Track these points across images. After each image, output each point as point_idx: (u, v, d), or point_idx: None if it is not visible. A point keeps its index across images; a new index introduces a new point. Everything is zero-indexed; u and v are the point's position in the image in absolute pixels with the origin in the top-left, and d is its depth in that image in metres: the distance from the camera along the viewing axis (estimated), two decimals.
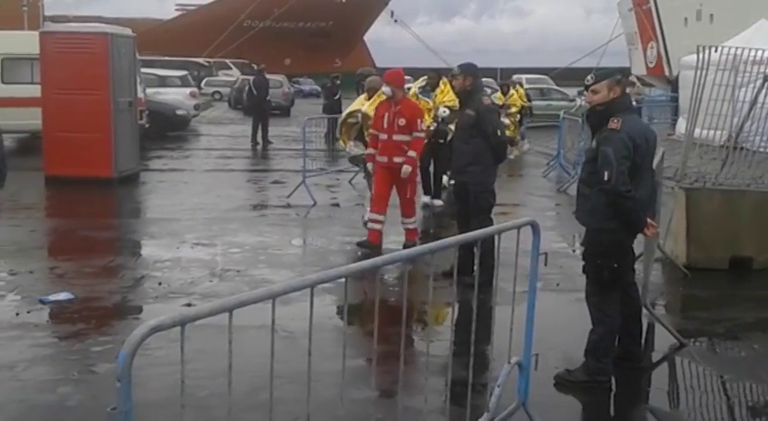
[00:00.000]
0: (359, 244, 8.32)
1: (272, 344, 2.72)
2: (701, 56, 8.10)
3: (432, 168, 11.41)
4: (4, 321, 5.86)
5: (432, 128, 10.50)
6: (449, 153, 11.26)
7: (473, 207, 6.97)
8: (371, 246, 8.11)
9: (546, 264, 4.11)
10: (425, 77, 11.29)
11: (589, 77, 4.85)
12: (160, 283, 6.92)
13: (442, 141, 10.71)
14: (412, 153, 8.11)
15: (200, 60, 52.02)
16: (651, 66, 36.74)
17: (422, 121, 8.27)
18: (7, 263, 7.48)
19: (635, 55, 39.17)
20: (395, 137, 8.13)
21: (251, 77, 27.62)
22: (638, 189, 4.67)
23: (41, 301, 6.33)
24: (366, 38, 76.94)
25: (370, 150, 8.52)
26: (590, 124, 5.02)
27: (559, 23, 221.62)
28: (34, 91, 14.15)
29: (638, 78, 34.56)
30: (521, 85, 20.28)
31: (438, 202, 11.29)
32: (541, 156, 18.01)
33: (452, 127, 11.24)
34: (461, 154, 7.07)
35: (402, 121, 8.10)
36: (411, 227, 8.39)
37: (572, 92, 29.58)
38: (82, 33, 12.89)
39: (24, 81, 15.81)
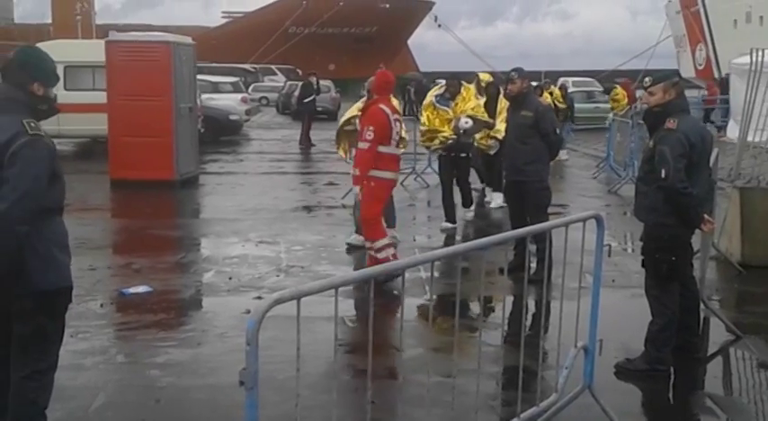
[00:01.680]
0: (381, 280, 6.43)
1: (370, 321, 3.00)
2: (754, 58, 8.24)
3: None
4: (91, 311, 6.28)
5: (451, 140, 9.46)
6: (468, 168, 10.08)
7: (533, 204, 7.22)
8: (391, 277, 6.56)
9: (609, 256, 4.34)
10: (443, 83, 10.02)
11: (647, 79, 5.09)
12: (230, 278, 7.29)
13: (463, 155, 9.75)
14: (354, 171, 7.20)
15: (247, 66, 52.83)
16: (700, 68, 36.46)
17: (368, 130, 6.99)
18: (85, 259, 7.89)
19: (683, 57, 38.88)
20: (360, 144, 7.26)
21: (299, 83, 28.17)
22: (695, 186, 4.88)
23: (122, 294, 6.76)
24: (409, 42, 77.30)
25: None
26: (647, 125, 5.26)
27: (604, 26, 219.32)
28: (95, 97, 14.80)
29: (686, 80, 34.25)
30: (560, 88, 19.85)
31: (450, 226, 9.64)
32: (590, 159, 18.11)
33: (490, 140, 10.30)
34: (519, 154, 7.33)
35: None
36: (378, 255, 7.05)
37: None
38: (146, 42, 13.43)
39: (86, 87, 16.45)
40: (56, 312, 3.63)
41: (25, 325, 3.52)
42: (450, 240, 9.25)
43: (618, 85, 21.35)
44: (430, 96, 9.89)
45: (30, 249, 3.42)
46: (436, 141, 9.62)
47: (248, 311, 6.07)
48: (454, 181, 9.95)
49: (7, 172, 3.32)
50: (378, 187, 7.13)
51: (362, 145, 7.06)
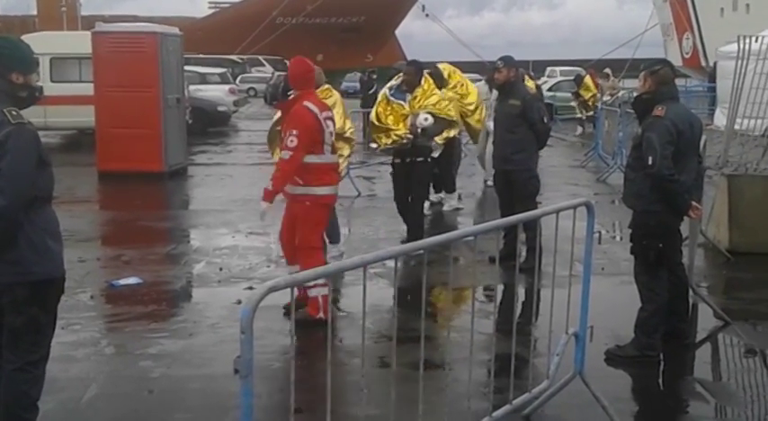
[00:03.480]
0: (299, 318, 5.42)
1: (363, 309, 3.01)
2: (741, 45, 8.28)
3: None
4: (81, 303, 6.26)
5: (406, 140, 7.66)
6: (426, 177, 8.25)
7: (520, 193, 7.24)
8: (310, 321, 5.66)
9: (600, 243, 4.37)
10: (399, 75, 8.20)
11: (642, 66, 5.14)
12: (221, 269, 7.29)
13: (420, 159, 7.84)
14: (270, 184, 5.67)
15: (234, 57, 52.57)
16: (687, 56, 36.59)
17: (291, 135, 5.54)
18: (74, 251, 7.84)
19: (670, 46, 39.00)
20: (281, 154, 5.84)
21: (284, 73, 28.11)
22: (683, 173, 4.92)
23: (112, 285, 6.75)
24: (397, 32, 77.10)
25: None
26: (637, 112, 5.30)
27: (591, 14, 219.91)
28: (82, 89, 14.69)
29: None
30: (531, 77, 19.65)
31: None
32: (579, 147, 18.18)
33: (438, 140, 8.60)
34: (506, 143, 7.35)
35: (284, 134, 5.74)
36: (312, 294, 5.76)
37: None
38: (132, 33, 13.37)
39: (72, 79, 16.34)
40: (48, 303, 3.61)
41: (18, 316, 3.50)
42: (437, 230, 9.26)
43: (587, 75, 21.56)
44: (385, 87, 8.24)
45: (24, 239, 3.41)
46: (388, 140, 7.80)
47: (239, 301, 6.08)
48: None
49: None
50: (315, 207, 5.79)
51: (284, 154, 5.63)
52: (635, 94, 5.47)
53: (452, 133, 9.55)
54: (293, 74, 5.88)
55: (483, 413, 3.84)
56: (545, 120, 7.33)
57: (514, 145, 7.27)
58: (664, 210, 4.96)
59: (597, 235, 4.31)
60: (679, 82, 32.17)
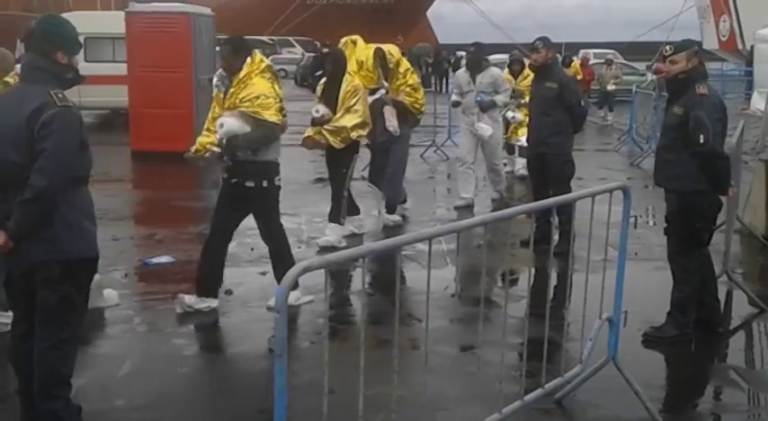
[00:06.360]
0: None
1: (397, 290, 3.00)
2: None
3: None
4: (115, 281, 6.33)
5: (208, 154, 5.76)
6: (271, 207, 5.98)
7: (556, 177, 7.18)
8: None
9: (636, 227, 4.32)
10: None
11: (668, 48, 5.03)
12: (252, 249, 7.31)
13: (251, 185, 5.67)
14: None
15: (265, 38, 52.55)
16: (724, 40, 35.90)
17: None
18: (108, 230, 7.92)
19: (707, 28, 38.26)
20: None
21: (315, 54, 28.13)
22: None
23: (146, 264, 6.82)
24: (428, 14, 76.51)
25: None
26: (671, 92, 5.19)
27: None
28: (115, 69, 14.79)
29: (710, 52, 33.72)
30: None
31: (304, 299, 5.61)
32: (613, 131, 17.96)
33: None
34: (542, 126, 7.27)
35: None
36: None
37: (641, 66, 29.08)
38: (165, 13, 13.39)
39: (106, 59, 16.45)
40: (81, 282, 3.64)
41: (51, 294, 3.52)
42: (467, 214, 9.22)
43: (578, 60, 21.03)
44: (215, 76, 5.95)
45: (60, 218, 3.45)
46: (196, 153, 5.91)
47: (264, 273, 6.20)
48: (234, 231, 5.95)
49: (42, 145, 3.34)
50: None
51: None
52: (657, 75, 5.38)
53: (357, 134, 7.42)
54: None
55: (515, 396, 3.83)
56: (582, 104, 7.24)
57: (550, 128, 7.19)
58: (710, 190, 4.93)
59: (632, 219, 4.24)
60: (715, 65, 31.68)
